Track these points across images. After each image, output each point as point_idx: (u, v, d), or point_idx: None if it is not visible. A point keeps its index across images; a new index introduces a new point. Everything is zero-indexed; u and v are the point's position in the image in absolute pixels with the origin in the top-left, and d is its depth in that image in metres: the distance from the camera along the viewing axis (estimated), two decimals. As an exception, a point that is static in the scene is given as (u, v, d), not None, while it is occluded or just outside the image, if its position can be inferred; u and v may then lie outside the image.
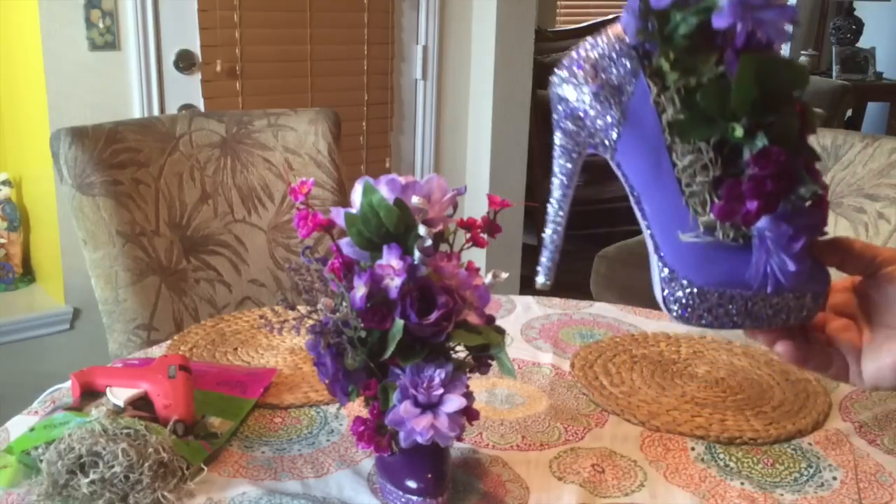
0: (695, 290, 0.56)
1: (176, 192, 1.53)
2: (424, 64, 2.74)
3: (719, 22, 0.51)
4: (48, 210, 2.16)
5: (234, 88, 2.34)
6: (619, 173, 0.58)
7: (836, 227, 1.41)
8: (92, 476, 0.77)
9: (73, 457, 0.78)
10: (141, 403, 0.90)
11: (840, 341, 0.62)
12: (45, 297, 2.24)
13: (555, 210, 0.63)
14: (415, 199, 0.76)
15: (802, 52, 5.53)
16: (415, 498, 0.79)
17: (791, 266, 0.53)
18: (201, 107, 2.28)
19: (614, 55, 0.57)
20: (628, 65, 0.57)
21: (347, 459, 0.89)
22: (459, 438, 0.77)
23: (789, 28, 0.52)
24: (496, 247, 1.72)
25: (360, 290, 0.74)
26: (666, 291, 0.56)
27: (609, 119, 0.58)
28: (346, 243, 0.78)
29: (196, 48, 2.25)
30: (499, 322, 0.82)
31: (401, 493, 0.80)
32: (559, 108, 0.60)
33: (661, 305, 0.57)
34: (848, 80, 5.18)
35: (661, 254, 0.57)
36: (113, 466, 0.78)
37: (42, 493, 0.77)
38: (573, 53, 0.59)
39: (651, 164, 0.56)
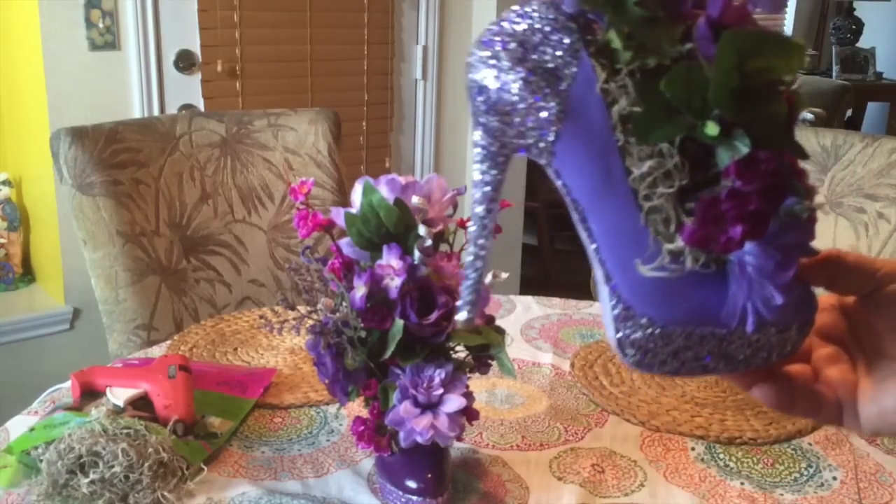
0: (657, 330, 0.44)
1: (176, 192, 1.53)
2: (424, 64, 2.74)
3: None
4: (48, 210, 2.16)
5: (234, 88, 2.34)
6: (558, 184, 0.46)
7: (837, 227, 1.41)
8: (92, 476, 0.77)
9: (73, 457, 0.78)
10: (141, 403, 0.90)
11: (830, 377, 0.50)
12: (45, 297, 2.24)
13: (477, 229, 0.48)
14: (415, 199, 0.76)
15: (802, 52, 5.53)
16: (415, 498, 0.79)
17: (779, 299, 0.43)
18: (201, 107, 2.28)
19: (547, 29, 0.44)
20: (566, 41, 0.44)
21: (347, 459, 0.89)
22: (459, 438, 0.77)
23: None
24: (496, 247, 1.72)
25: (360, 290, 0.74)
26: (620, 333, 0.45)
27: (544, 114, 0.45)
28: (346, 243, 0.78)
29: (196, 48, 2.25)
30: (499, 322, 0.82)
31: (401, 493, 0.80)
32: (478, 99, 0.46)
33: (615, 349, 0.46)
34: (848, 80, 5.18)
35: (615, 285, 0.45)
36: (113, 466, 0.78)
37: (42, 493, 0.77)
38: (494, 27, 0.46)
39: (599, 172, 0.44)
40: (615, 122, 0.43)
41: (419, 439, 0.74)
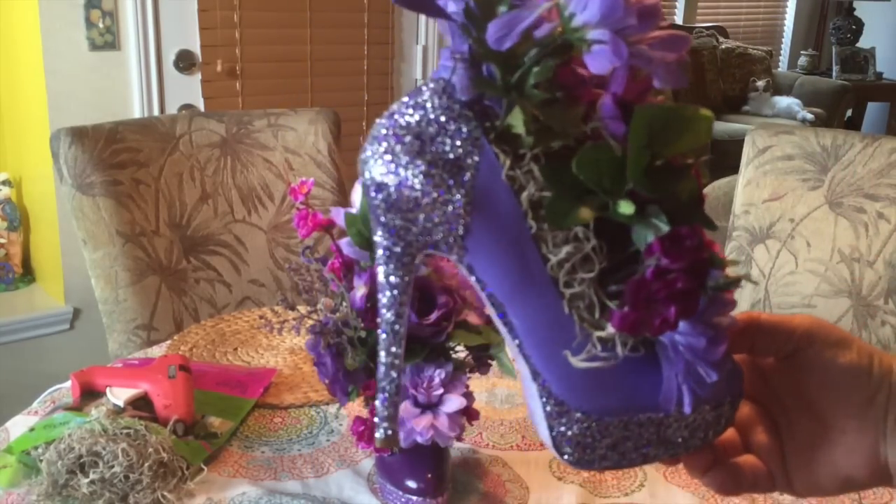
0: (593, 423, 0.42)
1: (176, 192, 1.53)
2: (424, 64, 2.74)
3: (598, 64, 0.38)
4: (48, 210, 2.16)
5: (234, 88, 2.34)
6: (471, 279, 0.43)
7: (837, 227, 1.41)
8: (92, 476, 0.77)
9: (73, 457, 0.78)
10: (141, 403, 0.90)
11: (757, 443, 0.48)
12: (45, 297, 2.24)
13: (388, 337, 0.44)
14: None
15: (802, 51, 5.54)
16: (415, 498, 0.79)
17: (713, 375, 0.41)
18: (201, 107, 2.28)
19: (443, 118, 0.42)
20: (465, 130, 0.42)
21: (347, 459, 0.89)
22: (459, 438, 0.77)
23: (680, 67, 0.40)
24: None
25: (360, 290, 0.74)
26: (555, 430, 0.42)
27: (450, 208, 0.42)
28: (346, 243, 0.78)
29: (196, 48, 2.25)
30: (499, 322, 0.82)
31: (401, 493, 0.80)
32: (377, 197, 0.43)
33: (550, 448, 0.43)
34: (848, 80, 5.19)
35: (544, 381, 0.42)
36: (113, 466, 0.78)
37: (42, 493, 0.77)
38: (384, 122, 0.44)
39: (514, 263, 0.41)
40: (526, 210, 0.41)
41: (419, 439, 0.74)
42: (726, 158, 4.30)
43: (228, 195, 1.58)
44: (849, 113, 5.25)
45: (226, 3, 2.26)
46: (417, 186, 0.42)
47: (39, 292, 2.27)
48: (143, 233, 1.45)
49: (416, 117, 0.43)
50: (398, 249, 0.43)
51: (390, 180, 0.42)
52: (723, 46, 5.04)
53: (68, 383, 0.97)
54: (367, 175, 0.43)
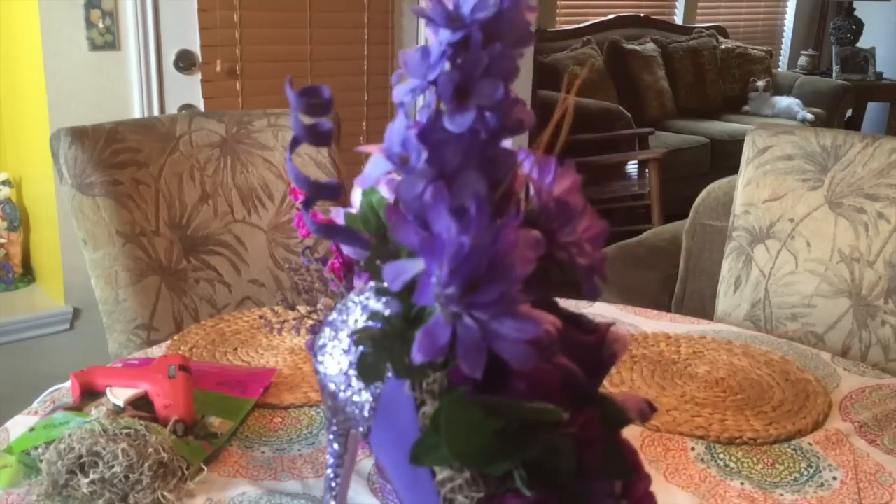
0: None
1: (176, 192, 1.53)
2: (424, 64, 2.74)
3: (416, 355, 0.38)
4: (48, 210, 2.16)
5: (234, 88, 2.34)
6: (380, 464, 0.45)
7: (837, 227, 1.41)
8: (92, 476, 0.77)
9: (73, 457, 0.78)
10: (141, 403, 0.90)
11: None
12: (45, 297, 2.24)
13: (325, 492, 0.50)
14: (415, 200, 0.76)
15: (802, 51, 5.54)
16: (415, 498, 0.79)
17: None
18: (201, 107, 2.28)
19: (370, 324, 0.44)
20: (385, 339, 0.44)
21: (347, 459, 0.89)
22: (459, 438, 0.77)
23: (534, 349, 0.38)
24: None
25: (360, 290, 0.74)
26: None
27: (357, 408, 0.45)
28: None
29: (196, 48, 2.25)
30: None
31: (401, 493, 0.80)
32: (318, 377, 0.47)
33: None
34: (848, 80, 5.19)
35: None
36: (113, 466, 0.78)
37: (42, 493, 0.77)
38: (336, 314, 0.46)
39: (408, 466, 0.42)
40: (423, 424, 0.42)
41: (419, 439, 0.74)
42: (726, 158, 4.31)
43: (228, 195, 1.58)
44: (849, 113, 5.26)
45: (226, 3, 2.26)
46: (333, 383, 0.46)
47: (39, 292, 2.27)
48: (143, 233, 1.45)
49: (354, 318, 0.46)
50: (334, 423, 0.49)
51: (321, 369, 0.47)
52: (723, 46, 5.04)
53: (68, 383, 0.97)
54: (315, 357, 0.48)
